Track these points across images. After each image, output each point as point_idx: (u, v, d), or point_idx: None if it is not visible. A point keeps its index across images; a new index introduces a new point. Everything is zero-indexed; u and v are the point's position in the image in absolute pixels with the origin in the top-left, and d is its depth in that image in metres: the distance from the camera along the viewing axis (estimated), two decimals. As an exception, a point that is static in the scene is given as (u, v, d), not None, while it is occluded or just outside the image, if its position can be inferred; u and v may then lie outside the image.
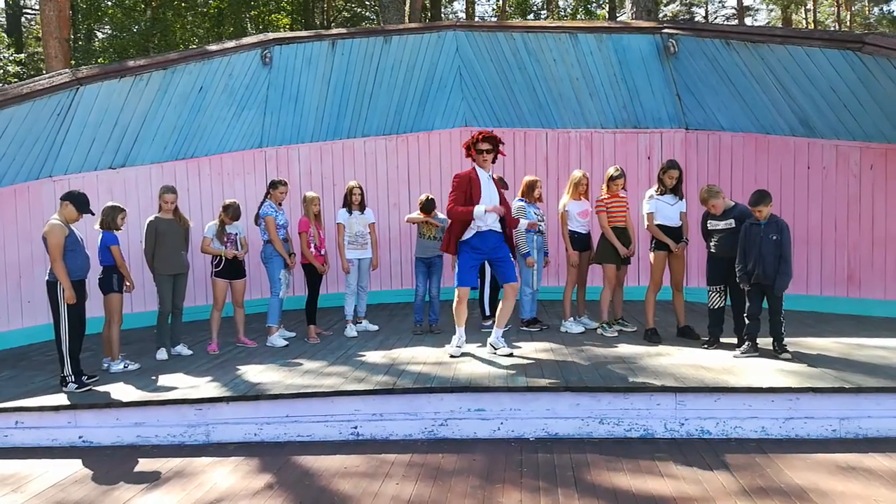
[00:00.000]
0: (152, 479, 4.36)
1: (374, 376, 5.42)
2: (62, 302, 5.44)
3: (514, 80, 9.29)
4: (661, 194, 6.59)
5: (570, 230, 7.03)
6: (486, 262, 6.43)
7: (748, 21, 31.25)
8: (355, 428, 5.01)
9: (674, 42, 8.35)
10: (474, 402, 4.99)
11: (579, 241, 7.05)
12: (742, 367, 5.46)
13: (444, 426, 4.97)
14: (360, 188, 7.30)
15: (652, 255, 6.62)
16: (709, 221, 6.23)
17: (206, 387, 5.36)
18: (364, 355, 6.24)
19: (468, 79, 9.51)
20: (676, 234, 6.59)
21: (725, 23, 29.69)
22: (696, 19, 30.46)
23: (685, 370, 5.36)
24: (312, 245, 6.98)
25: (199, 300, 8.48)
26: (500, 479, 4.16)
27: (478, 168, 5.96)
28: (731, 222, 6.08)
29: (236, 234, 6.75)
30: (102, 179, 8.18)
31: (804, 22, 30.65)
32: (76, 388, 5.40)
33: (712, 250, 6.21)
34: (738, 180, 8.73)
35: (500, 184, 6.39)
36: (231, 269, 6.71)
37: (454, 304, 6.02)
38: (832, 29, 28.78)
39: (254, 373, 5.74)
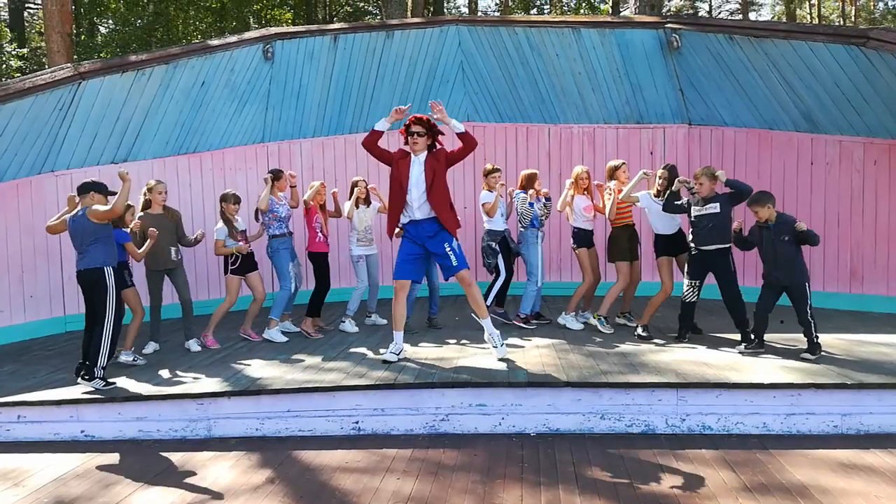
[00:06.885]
0: (153, 473, 4.37)
1: (375, 371, 5.42)
2: (111, 294, 5.35)
3: (517, 75, 9.26)
4: (656, 196, 6.55)
5: (574, 226, 7.02)
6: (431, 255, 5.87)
7: (752, 16, 31.14)
8: (356, 423, 5.01)
9: (677, 37, 8.32)
10: (475, 397, 4.99)
11: (585, 238, 7.03)
12: (744, 363, 5.45)
13: (445, 421, 4.97)
14: (365, 182, 7.31)
15: (658, 261, 6.54)
16: (693, 209, 6.08)
17: (207, 382, 5.37)
18: (365, 351, 6.24)
19: (470, 73, 9.48)
20: (673, 242, 6.52)
21: (729, 18, 29.58)
22: (700, 14, 30.34)
23: (687, 366, 5.35)
24: (319, 233, 6.97)
25: (201, 294, 8.47)
26: (501, 474, 4.16)
27: (411, 152, 5.73)
28: (717, 206, 5.94)
29: (244, 230, 6.76)
30: (105, 174, 8.11)
31: (808, 17, 30.54)
32: (103, 385, 5.29)
33: (692, 243, 6.11)
34: (741, 176, 8.63)
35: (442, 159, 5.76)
36: (246, 264, 6.72)
37: (393, 301, 5.82)
38: (836, 24, 28.64)
39: (255, 368, 5.74)
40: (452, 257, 5.70)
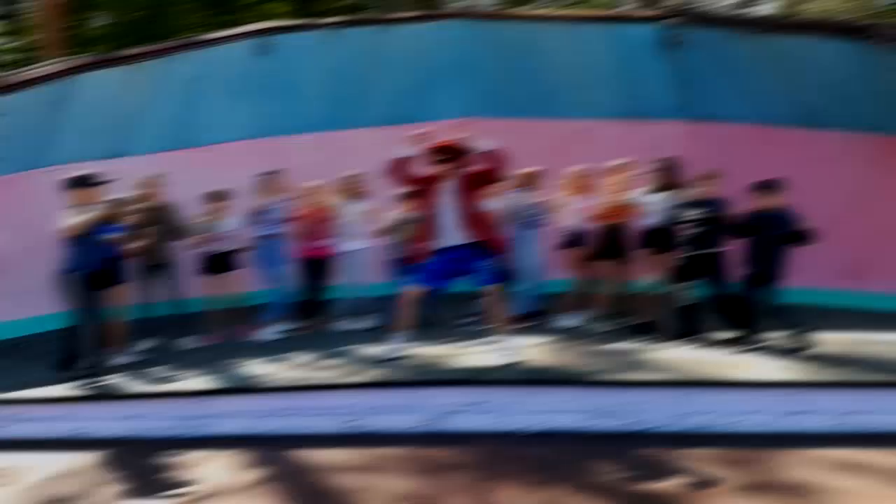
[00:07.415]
0: (147, 472, 4.33)
1: (372, 369, 5.38)
2: (72, 298, 5.32)
3: (515, 70, 9.21)
4: (651, 192, 6.59)
5: (565, 226, 7.02)
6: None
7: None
8: (352, 421, 4.97)
9: (677, 32, 8.27)
10: (473, 395, 4.94)
11: (574, 238, 7.01)
12: (744, 360, 5.42)
13: (441, 419, 4.93)
14: (357, 180, 7.25)
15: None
16: (684, 211, 6.12)
17: (201, 379, 5.33)
18: (361, 348, 6.20)
19: (468, 68, 9.42)
20: (657, 237, 6.51)
21: (730, 13, 29.54)
22: (701, 9, 30.32)
23: (686, 364, 5.32)
24: (310, 236, 6.91)
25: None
26: (497, 473, 4.13)
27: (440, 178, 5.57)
28: (706, 210, 5.97)
29: (228, 230, 6.70)
30: (98, 169, 8.11)
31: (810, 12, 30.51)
32: (89, 380, 5.28)
33: (683, 245, 6.12)
34: (742, 172, 8.63)
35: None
36: (217, 263, 6.64)
37: (402, 301, 5.68)
38: (838, 19, 28.64)
39: (250, 365, 5.70)
40: (489, 270, 5.52)
